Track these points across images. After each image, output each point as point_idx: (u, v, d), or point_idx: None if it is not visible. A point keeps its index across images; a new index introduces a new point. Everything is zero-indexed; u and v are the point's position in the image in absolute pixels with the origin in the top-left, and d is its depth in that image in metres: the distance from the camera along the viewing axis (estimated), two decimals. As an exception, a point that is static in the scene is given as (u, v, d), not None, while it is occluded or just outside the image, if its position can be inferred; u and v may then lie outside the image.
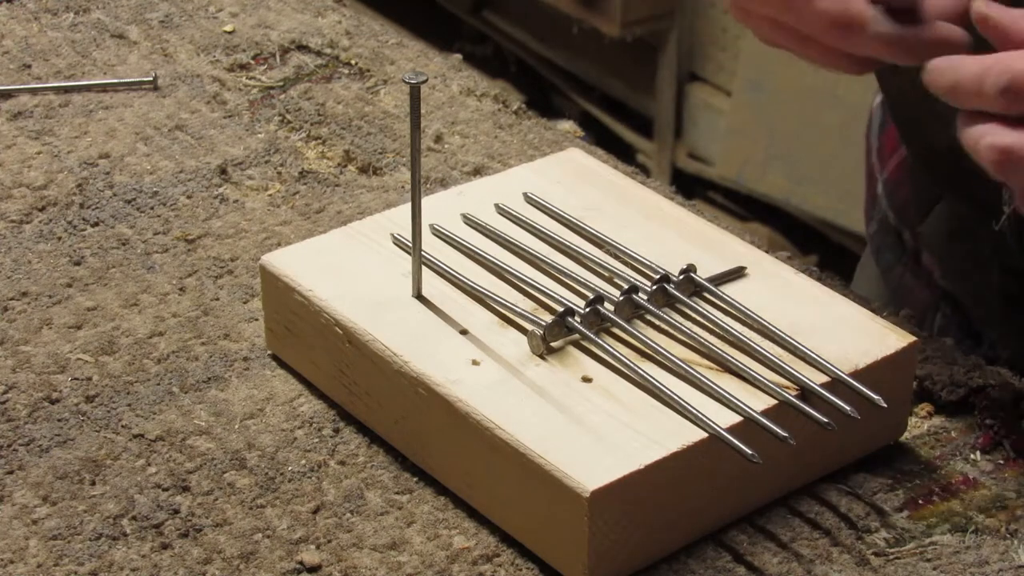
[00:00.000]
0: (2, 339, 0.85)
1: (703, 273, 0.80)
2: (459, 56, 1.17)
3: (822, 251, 2.72)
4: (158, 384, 0.83)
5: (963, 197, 0.94)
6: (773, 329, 0.77)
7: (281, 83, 1.10)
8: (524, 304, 0.79)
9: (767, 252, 0.85)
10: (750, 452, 0.70)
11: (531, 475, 0.70)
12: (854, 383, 0.74)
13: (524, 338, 0.77)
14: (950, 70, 0.71)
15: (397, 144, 1.03)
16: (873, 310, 0.84)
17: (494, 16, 3.10)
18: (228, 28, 1.16)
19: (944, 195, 0.97)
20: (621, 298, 0.78)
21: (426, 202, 0.82)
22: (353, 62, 1.12)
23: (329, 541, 0.74)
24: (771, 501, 0.75)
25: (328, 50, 1.13)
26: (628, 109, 2.92)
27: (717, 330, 0.77)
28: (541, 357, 0.76)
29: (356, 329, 0.78)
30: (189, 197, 0.97)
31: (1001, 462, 0.79)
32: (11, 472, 0.77)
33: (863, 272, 1.10)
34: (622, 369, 0.75)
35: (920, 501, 0.76)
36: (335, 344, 0.79)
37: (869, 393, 0.73)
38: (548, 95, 3.05)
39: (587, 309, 0.77)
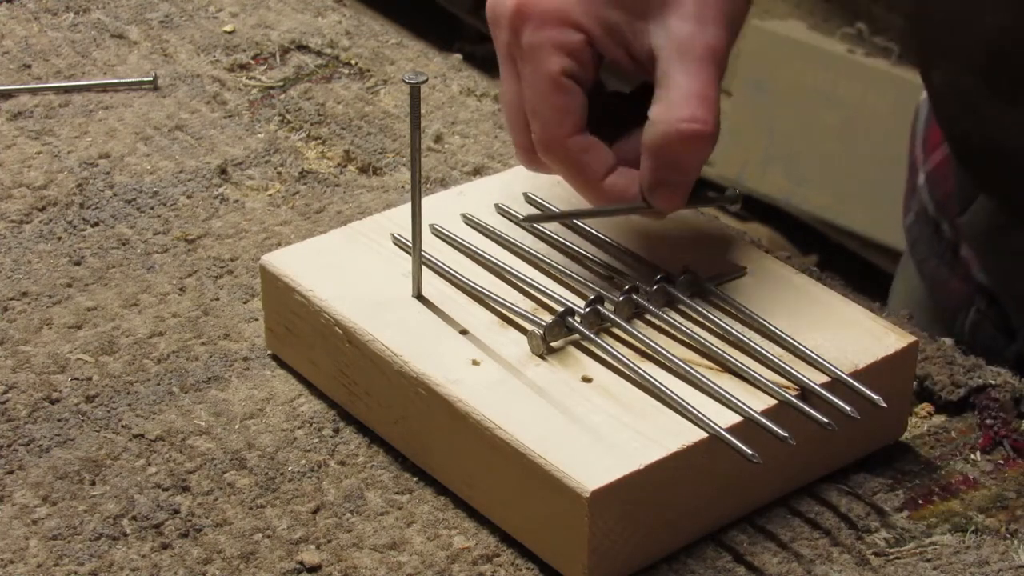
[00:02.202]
0: (2, 339, 0.85)
1: (703, 273, 0.80)
2: (459, 56, 1.17)
3: (822, 251, 2.72)
4: (158, 384, 0.83)
5: (1000, 196, 0.93)
6: (773, 329, 0.77)
7: (281, 83, 1.10)
8: (524, 304, 0.79)
9: (767, 252, 0.85)
10: (750, 452, 0.70)
11: (531, 475, 0.70)
12: (854, 383, 0.74)
13: (524, 338, 0.77)
14: None
15: (397, 144, 1.03)
16: (873, 310, 0.84)
17: (494, 16, 3.09)
18: (228, 28, 1.16)
19: (982, 192, 0.96)
20: (621, 298, 0.78)
21: (426, 202, 0.82)
22: (353, 62, 1.12)
23: (329, 541, 0.74)
24: (771, 501, 0.75)
25: (328, 50, 1.13)
26: (628, 109, 2.92)
27: (717, 330, 0.77)
28: (541, 357, 0.76)
29: (356, 329, 0.78)
30: (189, 197, 0.97)
31: (1001, 462, 0.79)
32: (11, 472, 0.77)
33: (903, 268, 1.09)
34: (622, 369, 0.75)
35: (920, 501, 0.76)
36: (335, 344, 0.79)
37: (869, 393, 0.73)
38: (548, 95, 3.05)
39: (587, 309, 0.77)
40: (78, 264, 0.91)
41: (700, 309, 0.78)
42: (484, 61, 3.14)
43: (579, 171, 0.77)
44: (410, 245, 0.79)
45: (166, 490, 0.76)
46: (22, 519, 0.74)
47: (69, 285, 0.90)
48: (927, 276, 1.03)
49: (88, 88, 1.08)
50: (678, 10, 0.74)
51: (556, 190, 0.88)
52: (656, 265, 0.81)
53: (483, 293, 0.79)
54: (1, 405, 0.81)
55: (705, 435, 0.71)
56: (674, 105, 0.74)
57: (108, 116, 1.05)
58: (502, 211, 0.86)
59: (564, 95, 0.76)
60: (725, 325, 0.77)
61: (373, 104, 1.07)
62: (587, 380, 0.75)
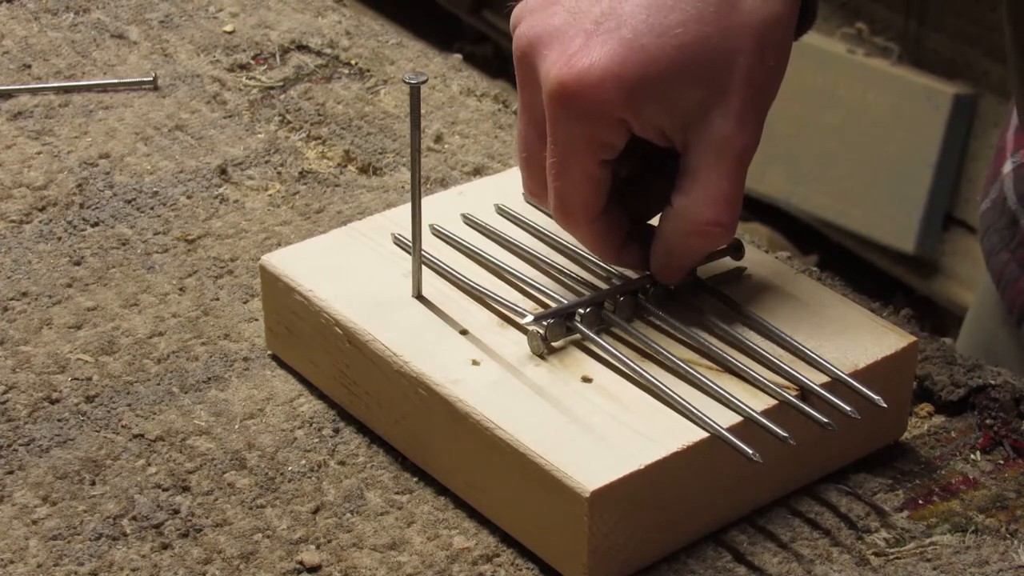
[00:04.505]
0: (2, 339, 0.85)
1: (703, 273, 0.80)
2: (459, 56, 1.17)
3: (822, 251, 2.72)
4: (158, 384, 0.83)
5: None
6: (773, 329, 0.77)
7: (281, 83, 1.10)
8: (524, 304, 0.79)
9: (767, 252, 0.85)
10: (751, 452, 0.70)
11: (531, 475, 0.70)
12: (854, 383, 0.74)
13: (524, 338, 0.77)
14: None
15: (397, 144, 1.03)
16: (873, 310, 0.84)
17: (494, 16, 3.10)
18: (228, 28, 1.16)
19: None
20: (621, 298, 0.78)
21: (426, 202, 0.82)
22: (353, 62, 1.12)
23: (329, 541, 0.74)
24: (771, 501, 0.75)
25: (328, 50, 1.13)
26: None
27: (717, 330, 0.77)
28: (541, 357, 0.76)
29: (356, 329, 0.78)
30: (189, 197, 0.97)
31: (1001, 462, 0.79)
32: (11, 472, 0.77)
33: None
34: (622, 369, 0.75)
35: (920, 501, 0.76)
36: (335, 344, 0.79)
37: (869, 393, 0.73)
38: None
39: (587, 309, 0.77)
40: (78, 264, 0.91)
41: (700, 309, 0.78)
42: (484, 61, 3.14)
43: (594, 245, 0.77)
44: (410, 245, 0.79)
45: (166, 490, 0.76)
46: (22, 519, 0.74)
47: (69, 285, 0.90)
48: (994, 269, 1.00)
49: (88, 88, 1.08)
50: (723, 106, 0.72)
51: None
52: (656, 265, 0.81)
53: (483, 293, 0.79)
54: (1, 405, 0.81)
55: (705, 435, 0.71)
56: (701, 204, 0.73)
57: (108, 116, 1.05)
58: (502, 211, 0.86)
59: (594, 188, 0.74)
60: (725, 325, 0.77)
61: (373, 104, 1.07)
62: (587, 380, 0.75)
